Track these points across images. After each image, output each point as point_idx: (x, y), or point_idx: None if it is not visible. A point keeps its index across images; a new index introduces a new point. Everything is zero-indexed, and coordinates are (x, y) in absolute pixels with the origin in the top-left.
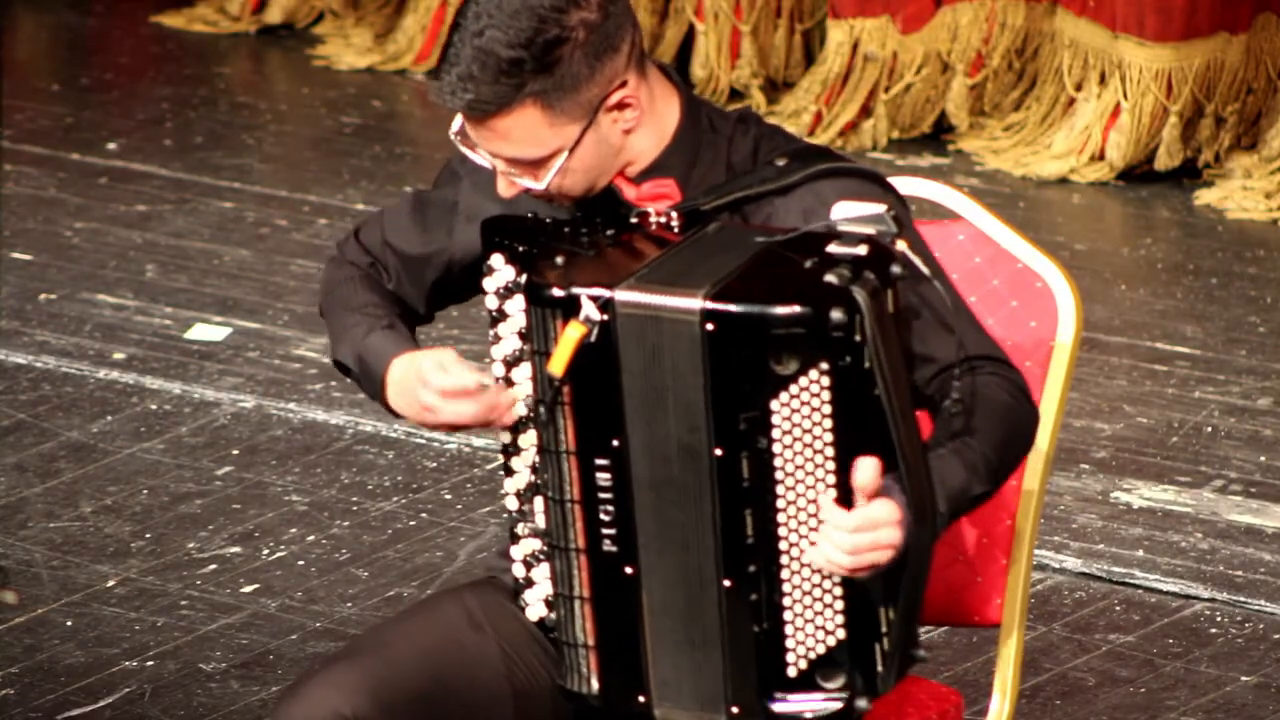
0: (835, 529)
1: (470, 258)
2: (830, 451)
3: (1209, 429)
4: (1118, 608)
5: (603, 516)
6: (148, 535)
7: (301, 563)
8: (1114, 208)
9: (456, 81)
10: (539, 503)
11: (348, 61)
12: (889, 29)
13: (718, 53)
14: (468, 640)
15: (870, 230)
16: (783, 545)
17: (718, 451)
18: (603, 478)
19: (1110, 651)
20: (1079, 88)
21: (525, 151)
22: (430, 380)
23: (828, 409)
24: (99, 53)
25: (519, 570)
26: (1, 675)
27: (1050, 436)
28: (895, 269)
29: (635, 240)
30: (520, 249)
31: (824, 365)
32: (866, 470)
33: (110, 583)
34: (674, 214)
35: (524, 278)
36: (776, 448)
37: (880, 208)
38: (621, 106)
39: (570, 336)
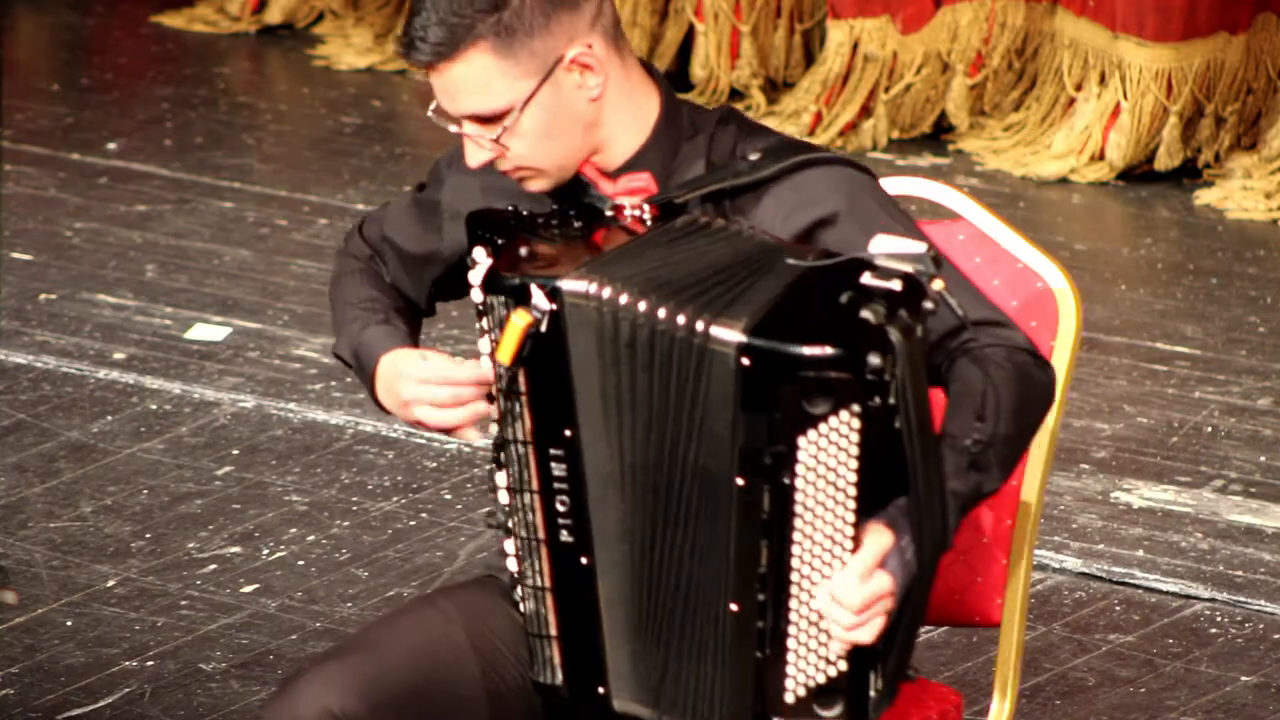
0: (841, 609)
1: (458, 255)
2: (853, 491)
3: (1209, 429)
4: (1118, 608)
5: (559, 507)
6: (148, 535)
7: (301, 563)
8: (1114, 208)
9: (415, 32)
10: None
11: (348, 61)
12: (889, 29)
13: (718, 53)
14: (460, 639)
15: (909, 268)
16: (794, 577)
17: (739, 481)
18: (557, 468)
19: (1110, 651)
20: (1079, 88)
21: (480, 103)
22: (409, 371)
23: (855, 450)
24: (99, 53)
25: (512, 564)
26: (1, 675)
27: (1050, 436)
28: (928, 305)
29: (605, 231)
30: (499, 241)
31: (855, 407)
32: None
33: (110, 583)
34: (647, 206)
35: None
36: (799, 483)
37: (922, 246)
38: (583, 68)
39: (515, 325)
